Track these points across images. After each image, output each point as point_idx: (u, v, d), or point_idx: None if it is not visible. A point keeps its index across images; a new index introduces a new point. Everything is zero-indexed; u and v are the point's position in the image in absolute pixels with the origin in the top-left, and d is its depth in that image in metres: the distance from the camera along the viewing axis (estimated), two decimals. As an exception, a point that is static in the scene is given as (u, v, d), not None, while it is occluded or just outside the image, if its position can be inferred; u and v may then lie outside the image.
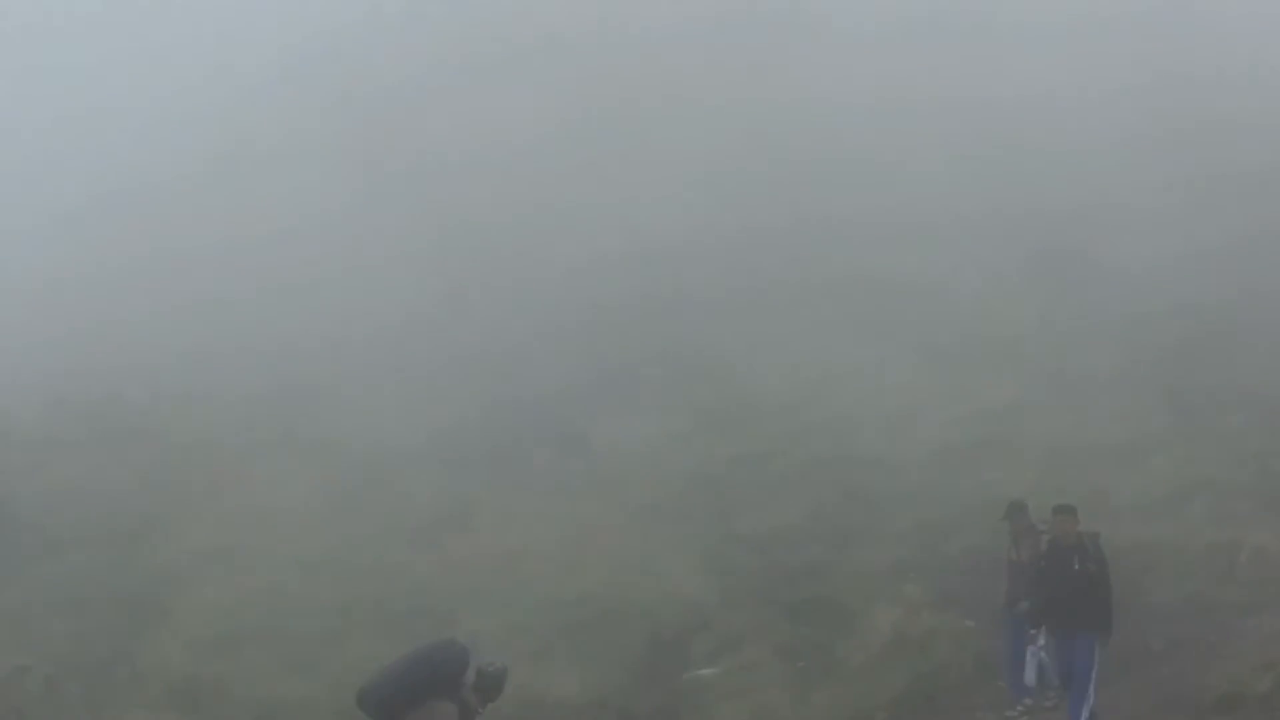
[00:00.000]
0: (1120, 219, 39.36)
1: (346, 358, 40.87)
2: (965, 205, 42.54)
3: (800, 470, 29.20)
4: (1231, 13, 52.79)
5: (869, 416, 31.20)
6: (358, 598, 26.39)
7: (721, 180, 48.57)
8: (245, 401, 38.52)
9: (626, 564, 25.59)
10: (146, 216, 56.25)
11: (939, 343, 34.22)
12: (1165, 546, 22.12)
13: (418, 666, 13.14)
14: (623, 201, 47.98)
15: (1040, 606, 16.73)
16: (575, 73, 60.06)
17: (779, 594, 23.49)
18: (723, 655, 22.26)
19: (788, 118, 51.39)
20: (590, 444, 32.60)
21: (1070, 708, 16.50)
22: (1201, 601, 20.36)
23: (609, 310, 40.67)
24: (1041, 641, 17.38)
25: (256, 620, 26.03)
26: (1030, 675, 17.75)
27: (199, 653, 25.15)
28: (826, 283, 39.50)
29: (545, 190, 50.29)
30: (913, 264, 39.29)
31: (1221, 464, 24.88)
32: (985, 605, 21.52)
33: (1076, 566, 16.25)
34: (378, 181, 54.28)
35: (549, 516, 28.86)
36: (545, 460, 32.15)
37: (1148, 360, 30.75)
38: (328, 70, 65.70)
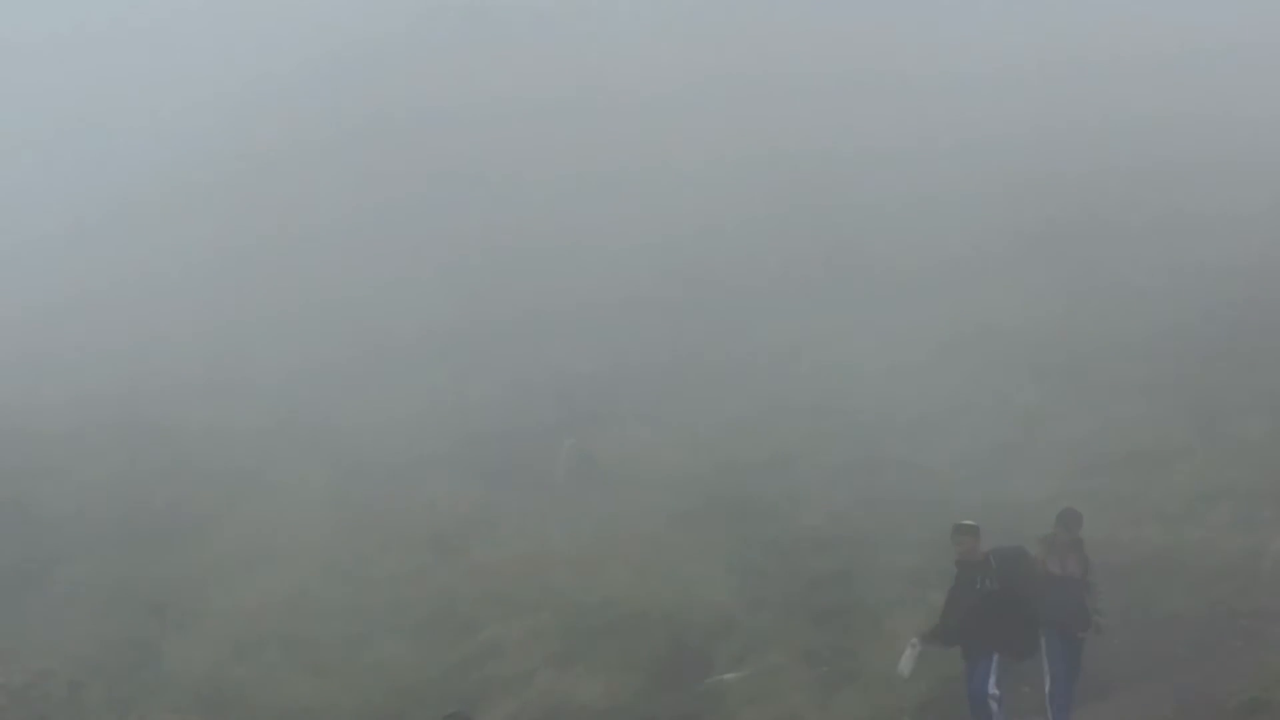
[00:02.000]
0: (1141, 228, 39.30)
1: (368, 363, 40.93)
2: (989, 213, 42.49)
3: (824, 475, 29.15)
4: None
5: (893, 421, 31.13)
6: (380, 603, 26.46)
7: (743, 180, 48.53)
8: (268, 406, 38.58)
9: (649, 569, 25.56)
10: (167, 223, 56.40)
11: (963, 348, 34.13)
12: (1189, 552, 22.08)
13: None
14: (645, 209, 47.95)
15: (950, 628, 16.32)
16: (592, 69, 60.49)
17: (802, 599, 23.48)
18: (746, 660, 22.25)
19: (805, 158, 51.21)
20: (613, 449, 32.57)
21: None
22: (1225, 608, 20.30)
23: (632, 314, 40.65)
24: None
25: (279, 625, 26.12)
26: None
27: (222, 657, 25.25)
28: (850, 287, 39.44)
29: (565, 199, 50.33)
30: (937, 268, 39.21)
31: (1245, 470, 24.78)
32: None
33: (978, 586, 16.03)
34: (393, 190, 54.34)
35: (571, 522, 28.86)
36: (568, 465, 32.14)
37: (1170, 366, 30.63)
38: (342, 80, 65.98)
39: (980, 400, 31.42)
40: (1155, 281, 35.75)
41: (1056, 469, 27.08)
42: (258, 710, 23.61)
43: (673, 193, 49.15)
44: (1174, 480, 25.22)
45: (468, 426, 35.03)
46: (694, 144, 52.51)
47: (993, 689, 15.87)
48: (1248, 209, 38.98)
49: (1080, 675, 17.25)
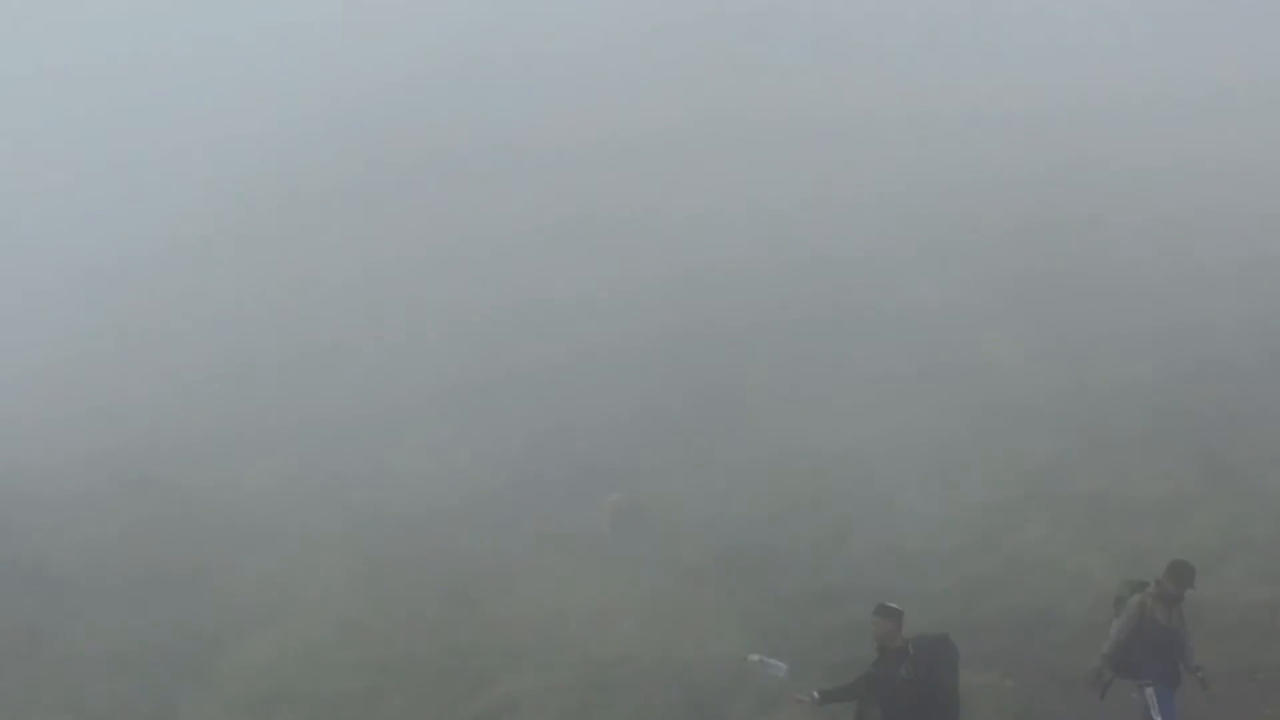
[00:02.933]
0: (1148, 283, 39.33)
1: (383, 413, 40.94)
2: (1000, 268, 42.49)
3: (840, 528, 29.12)
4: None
5: (909, 474, 31.09)
6: (395, 657, 26.39)
7: (761, 229, 48.68)
8: (281, 459, 38.58)
9: (665, 623, 25.52)
10: (173, 274, 56.52)
11: (978, 400, 34.14)
12: (1205, 605, 21.97)
13: None
14: (657, 282, 47.96)
15: (864, 715, 15.55)
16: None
17: (818, 654, 23.37)
18: (761, 716, 22.16)
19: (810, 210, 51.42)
20: (630, 504, 32.51)
21: None
22: (1243, 661, 20.22)
23: (648, 368, 40.64)
24: None
25: (294, 680, 26.06)
26: None
27: (237, 713, 25.19)
28: (868, 342, 39.44)
29: (591, 258, 50.40)
30: (952, 323, 39.21)
31: (1261, 522, 24.76)
32: (1025, 664, 21.48)
33: (902, 675, 15.14)
34: (412, 240, 54.46)
35: (587, 576, 28.83)
36: (584, 519, 32.11)
37: (1185, 418, 30.64)
38: (366, 123, 66.22)
39: (992, 452, 31.40)
40: (1161, 329, 35.74)
41: (1070, 521, 27.07)
42: (273, 767, 23.62)
43: (678, 237, 49.27)
44: (1189, 532, 25.15)
45: (484, 480, 35.01)
46: (701, 186, 52.72)
47: None
48: (1252, 256, 39.02)
49: None
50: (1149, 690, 16.88)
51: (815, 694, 15.96)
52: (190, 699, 25.99)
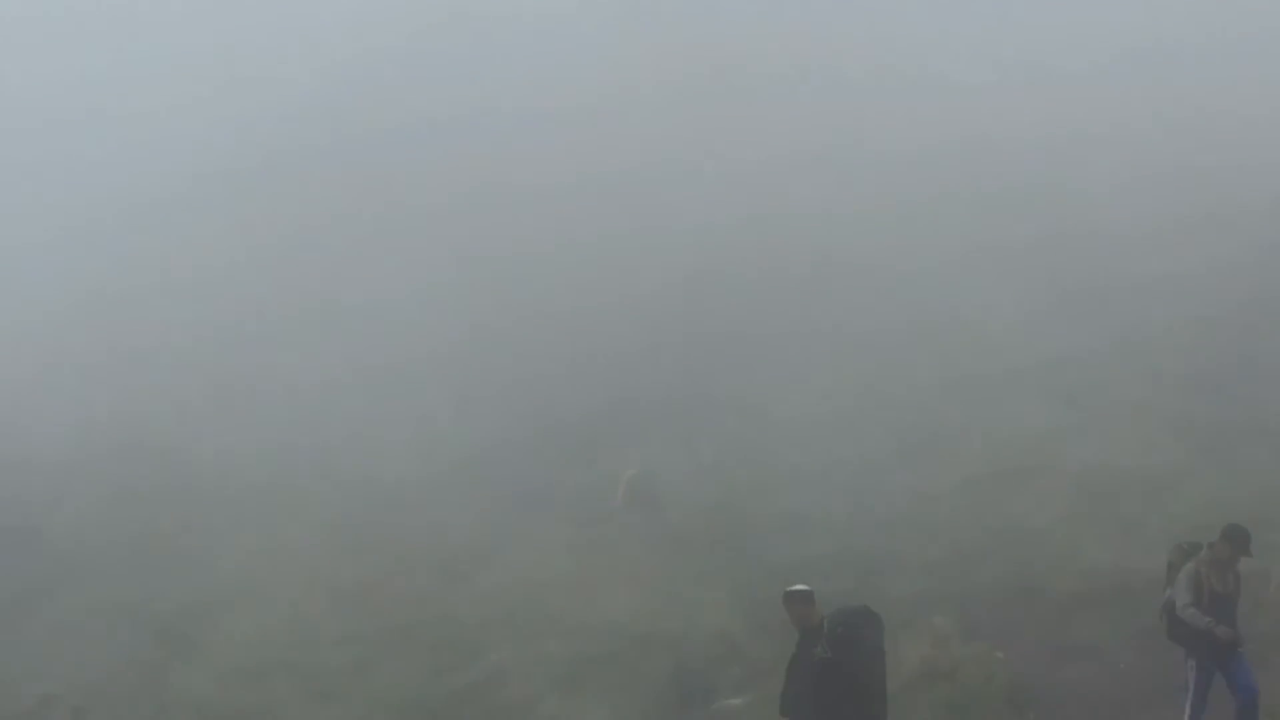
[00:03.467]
0: (1144, 246, 39.22)
1: (373, 386, 40.91)
2: (988, 234, 42.44)
3: (828, 500, 29.12)
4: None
5: (897, 447, 31.10)
6: (384, 628, 26.45)
7: (751, 214, 48.56)
8: (272, 431, 38.57)
9: (654, 594, 25.55)
10: (161, 240, 56.40)
11: (966, 372, 34.13)
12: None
13: None
14: (649, 233, 47.97)
15: (787, 699, 14.79)
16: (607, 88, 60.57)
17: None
18: (750, 685, 22.17)
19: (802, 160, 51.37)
20: (616, 475, 32.54)
21: None
22: (1231, 633, 20.24)
23: (636, 341, 40.61)
24: None
25: (283, 651, 26.12)
26: None
27: (226, 683, 25.24)
28: (852, 314, 39.41)
29: (573, 222, 50.34)
30: (937, 294, 39.19)
31: (1250, 494, 24.74)
32: (1014, 635, 21.51)
33: (819, 654, 14.37)
34: (402, 199, 54.38)
35: (576, 547, 28.86)
36: (572, 490, 32.13)
37: (1175, 389, 30.64)
38: (350, 91, 66.03)
39: (983, 424, 31.40)
40: (1154, 295, 35.69)
41: (1059, 493, 27.07)
42: (262, 736, 23.65)
43: (678, 223, 49.21)
44: (1178, 505, 25.16)
45: (472, 452, 35.01)
46: (699, 148, 52.65)
47: None
48: (1253, 206, 38.88)
49: (1254, 692, 16.32)
50: (1191, 665, 16.62)
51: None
52: (180, 666, 26.03)
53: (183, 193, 60.10)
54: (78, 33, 75.18)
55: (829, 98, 55.92)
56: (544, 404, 37.46)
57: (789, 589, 14.99)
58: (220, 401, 40.97)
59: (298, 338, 45.66)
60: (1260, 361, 30.88)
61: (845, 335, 38.13)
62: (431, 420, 37.59)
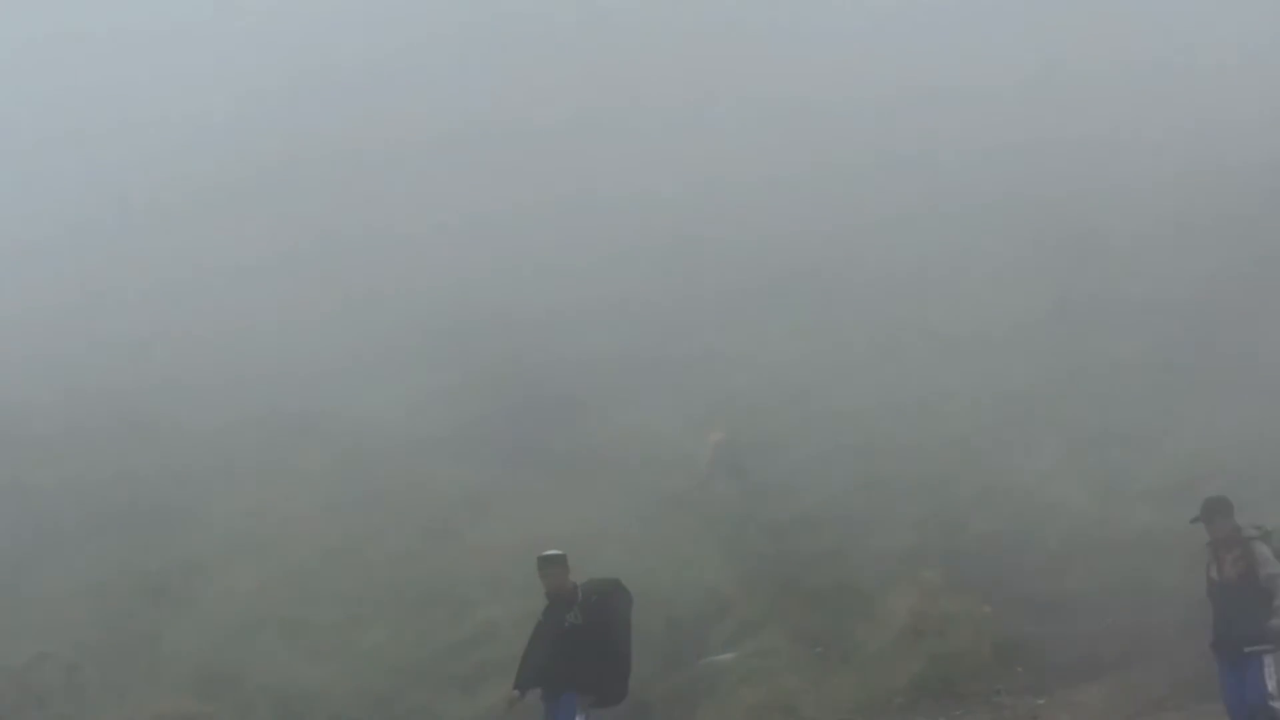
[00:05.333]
0: (1130, 205, 39.14)
1: (365, 349, 40.91)
2: (976, 191, 42.38)
3: (817, 457, 29.19)
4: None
5: (886, 404, 31.13)
6: (375, 586, 26.53)
7: (733, 176, 48.48)
8: (264, 392, 38.57)
9: (644, 551, 25.63)
10: (166, 224, 56.28)
11: (954, 330, 34.16)
12: (1179, 534, 22.10)
13: None
14: (639, 194, 47.91)
15: (530, 667, 14.81)
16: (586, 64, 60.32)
17: (796, 580, 23.57)
18: (740, 641, 22.35)
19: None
20: (608, 432, 32.63)
21: None
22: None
23: (625, 301, 40.61)
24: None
25: (276, 608, 26.20)
26: None
27: (218, 640, 25.33)
28: (840, 271, 39.41)
29: (562, 180, 50.24)
30: (924, 250, 39.19)
31: (1236, 451, 24.83)
32: (1002, 590, 21.64)
33: (569, 621, 14.64)
34: (391, 189, 54.32)
35: (566, 504, 28.93)
36: (562, 449, 32.20)
37: (1162, 346, 30.67)
38: (344, 90, 65.89)
39: (970, 382, 31.44)
40: (1144, 251, 35.63)
41: (1048, 448, 27.16)
42: (254, 693, 23.70)
43: (666, 183, 49.15)
44: (1165, 460, 25.26)
45: (462, 411, 35.03)
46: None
47: None
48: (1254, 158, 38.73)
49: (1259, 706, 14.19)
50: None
51: (516, 693, 14.82)
52: (173, 626, 26.12)
53: (177, 173, 60.03)
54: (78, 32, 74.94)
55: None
56: (534, 364, 37.45)
57: (543, 553, 15.29)
58: (213, 378, 40.89)
59: (287, 306, 45.62)
60: (1251, 319, 30.91)
61: (832, 294, 38.14)
62: (422, 382, 37.59)
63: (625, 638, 14.91)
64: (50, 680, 24.29)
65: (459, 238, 47.80)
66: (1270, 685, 14.08)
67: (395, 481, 31.50)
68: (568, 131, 54.23)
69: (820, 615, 22.30)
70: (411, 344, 40.13)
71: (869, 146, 47.34)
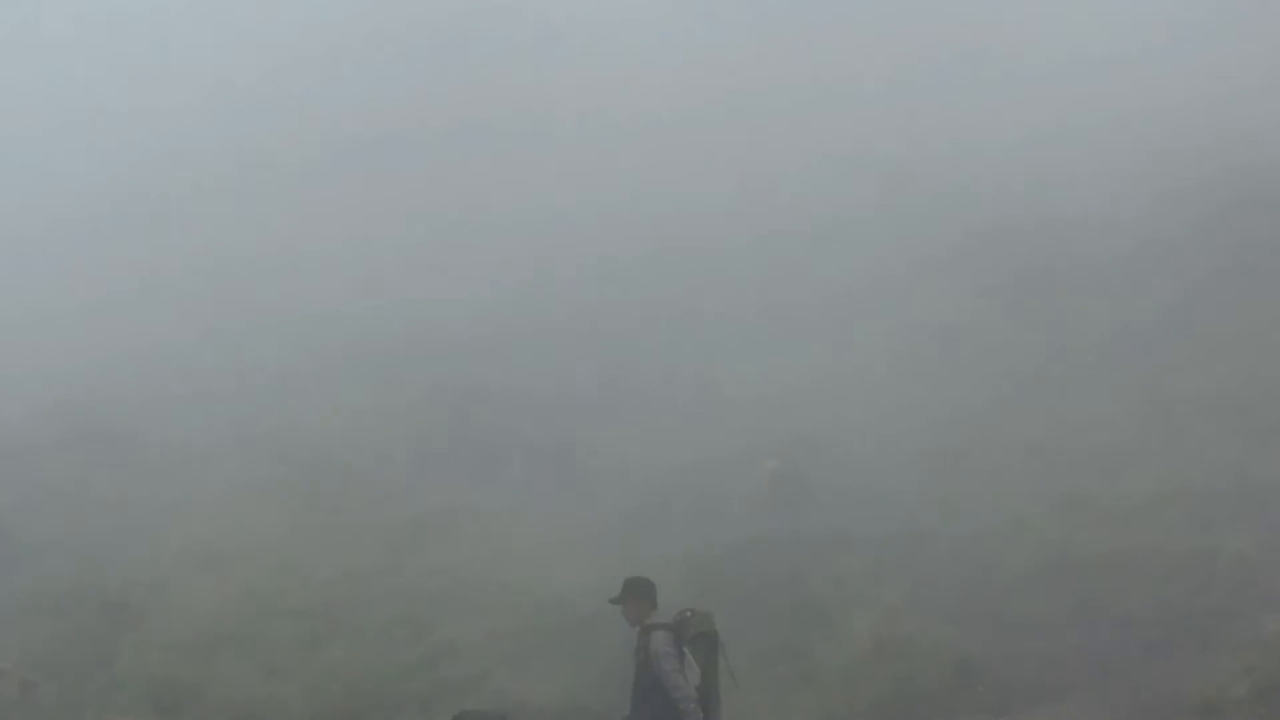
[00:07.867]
0: (1092, 230, 39.21)
1: (326, 364, 40.83)
2: (938, 214, 42.51)
3: (779, 476, 29.13)
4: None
5: (848, 423, 31.17)
6: (336, 603, 26.39)
7: (707, 189, 48.55)
8: (224, 409, 38.46)
9: (606, 570, 25.50)
10: (128, 234, 56.20)
11: (916, 349, 34.21)
12: (1143, 552, 22.13)
13: None
14: (611, 207, 47.93)
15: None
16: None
17: (758, 600, 23.46)
18: (700, 661, 22.22)
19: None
20: (570, 450, 32.58)
21: None
22: (1180, 608, 20.37)
23: (589, 318, 40.61)
24: None
25: (234, 625, 26.03)
26: None
27: (176, 657, 25.12)
28: (801, 291, 39.45)
29: (536, 192, 50.30)
30: (888, 271, 39.25)
31: (1199, 471, 24.89)
32: (964, 612, 21.60)
33: (640, 658, 13.73)
34: (368, 194, 54.33)
35: (528, 523, 28.87)
36: (524, 467, 32.15)
37: (1126, 367, 30.75)
38: (330, 88, 65.86)
39: (934, 402, 31.48)
40: (1105, 277, 35.73)
41: (1010, 470, 27.19)
42: (212, 711, 23.49)
43: (630, 201, 49.16)
44: (1128, 481, 25.30)
45: (424, 428, 34.97)
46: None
47: None
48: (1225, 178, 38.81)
49: None
50: None
51: None
52: (129, 641, 25.92)
53: (150, 186, 59.98)
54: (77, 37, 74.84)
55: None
56: (497, 381, 37.42)
57: (632, 578, 14.52)
58: (174, 391, 40.79)
59: (251, 319, 45.53)
60: (1212, 337, 31.01)
61: (790, 306, 38.22)
62: (384, 397, 37.53)
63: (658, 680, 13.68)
64: (7, 696, 24.04)
65: (426, 252, 47.84)
66: None
67: (355, 498, 31.42)
68: (536, 141, 54.37)
69: (782, 636, 22.21)
70: (373, 361, 40.07)
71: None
